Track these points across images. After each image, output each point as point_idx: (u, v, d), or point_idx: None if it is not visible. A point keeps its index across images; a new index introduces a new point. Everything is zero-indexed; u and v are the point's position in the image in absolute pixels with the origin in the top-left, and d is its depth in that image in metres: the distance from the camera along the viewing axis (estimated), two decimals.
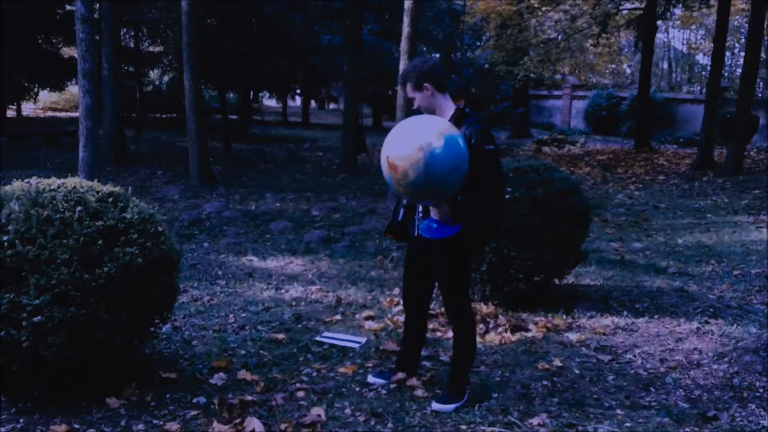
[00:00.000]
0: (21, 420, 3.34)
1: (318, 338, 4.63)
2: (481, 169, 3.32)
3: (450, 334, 4.69)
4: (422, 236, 3.47)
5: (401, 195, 3.39)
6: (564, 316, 5.16)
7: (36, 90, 23.81)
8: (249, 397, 3.59)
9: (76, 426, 3.29)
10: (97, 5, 13.77)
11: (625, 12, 18.91)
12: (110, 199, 3.63)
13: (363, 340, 4.60)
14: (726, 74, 28.45)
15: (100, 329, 3.32)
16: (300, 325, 4.97)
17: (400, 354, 3.97)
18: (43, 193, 3.48)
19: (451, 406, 3.56)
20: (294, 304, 5.59)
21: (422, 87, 3.49)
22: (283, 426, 3.31)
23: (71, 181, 3.68)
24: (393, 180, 3.20)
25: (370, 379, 3.91)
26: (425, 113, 3.52)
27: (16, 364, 3.33)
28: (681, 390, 3.84)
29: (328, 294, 5.89)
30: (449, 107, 3.51)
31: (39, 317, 3.17)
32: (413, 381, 3.84)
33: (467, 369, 3.72)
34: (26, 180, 3.66)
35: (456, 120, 3.42)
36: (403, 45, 9.85)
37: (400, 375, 3.86)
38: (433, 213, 3.40)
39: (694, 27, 30.42)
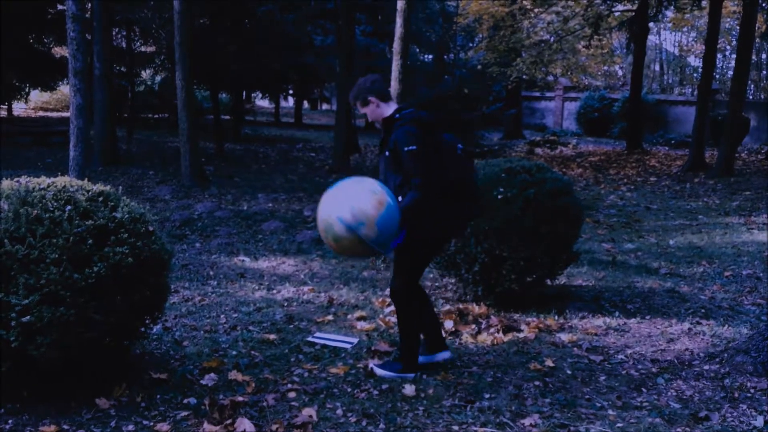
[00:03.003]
0: (10, 420, 3.31)
1: (310, 339, 4.61)
2: (407, 170, 3.66)
3: (442, 334, 4.71)
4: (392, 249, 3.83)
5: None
6: (556, 317, 5.16)
7: (27, 89, 23.69)
8: (240, 398, 3.57)
9: (66, 426, 3.26)
10: (89, 4, 13.72)
11: (617, 14, 19.00)
12: (100, 199, 3.60)
13: (355, 340, 4.59)
14: (717, 76, 28.56)
15: (89, 329, 3.30)
16: (292, 326, 4.95)
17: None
18: (32, 192, 3.45)
19: (385, 372, 3.95)
20: (286, 304, 5.57)
21: (368, 101, 3.92)
22: (274, 427, 3.30)
23: (61, 181, 3.65)
24: (336, 250, 3.66)
25: (411, 375, 3.96)
26: (378, 125, 3.93)
27: (5, 365, 3.30)
28: (672, 390, 3.85)
29: (320, 294, 5.87)
30: (389, 112, 3.90)
31: (28, 317, 3.14)
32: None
33: (407, 346, 3.97)
34: (16, 179, 3.63)
35: (387, 128, 3.84)
36: (396, 46, 9.83)
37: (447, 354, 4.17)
38: None
39: (685, 29, 30.57)
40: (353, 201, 3.50)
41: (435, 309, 5.28)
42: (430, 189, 3.68)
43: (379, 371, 4.00)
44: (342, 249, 3.61)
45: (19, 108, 27.27)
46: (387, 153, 3.77)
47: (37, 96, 28.58)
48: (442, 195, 3.76)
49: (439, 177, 3.73)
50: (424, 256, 3.99)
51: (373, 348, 4.41)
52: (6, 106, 24.06)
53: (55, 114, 26.30)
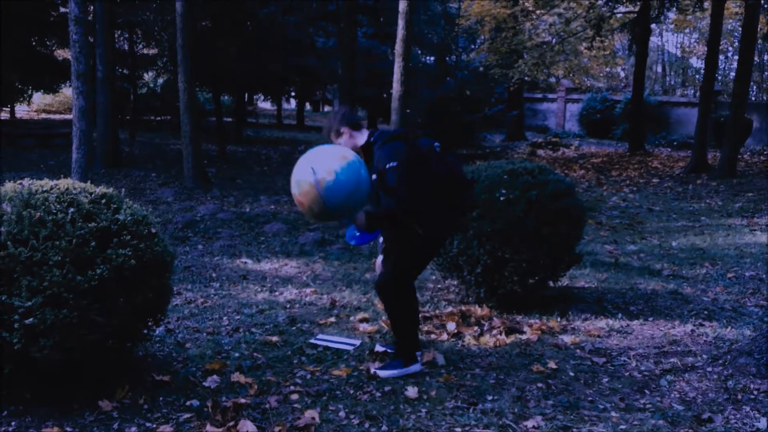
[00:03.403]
0: (13, 423, 3.32)
1: (312, 341, 4.61)
2: (388, 183, 3.77)
3: (444, 336, 4.72)
4: (348, 243, 3.95)
5: (316, 222, 3.76)
6: (558, 319, 5.15)
7: (29, 92, 23.72)
8: (242, 400, 3.57)
9: (68, 429, 3.26)
10: (91, 7, 13.75)
11: (619, 15, 19.00)
12: (103, 201, 3.61)
13: (357, 342, 4.59)
14: (719, 78, 28.55)
15: (92, 331, 3.30)
16: (294, 328, 4.95)
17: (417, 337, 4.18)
18: (35, 195, 3.45)
19: (388, 372, 3.99)
20: (288, 306, 5.57)
21: (341, 132, 4.05)
22: (276, 429, 3.29)
23: (64, 183, 3.65)
24: (303, 212, 3.71)
25: (414, 368, 4.04)
26: (354, 152, 3.92)
27: (8, 367, 3.31)
28: (675, 392, 3.84)
29: (323, 296, 5.87)
30: (363, 140, 4.02)
31: (31, 319, 3.15)
32: None
33: (402, 339, 4.05)
34: (19, 181, 3.64)
35: (366, 154, 3.93)
36: (398, 48, 9.85)
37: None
38: (353, 224, 3.88)
39: (687, 30, 30.56)
40: (324, 154, 3.69)
41: (437, 311, 5.30)
42: (417, 199, 3.83)
43: (382, 373, 4.01)
44: (302, 197, 3.61)
45: (21, 110, 27.32)
46: (374, 176, 3.85)
47: (39, 98, 28.61)
48: (437, 191, 3.90)
49: (429, 176, 3.87)
50: (424, 256, 4.11)
51: (375, 350, 4.40)
52: (8, 109, 24.10)
53: (57, 116, 26.33)
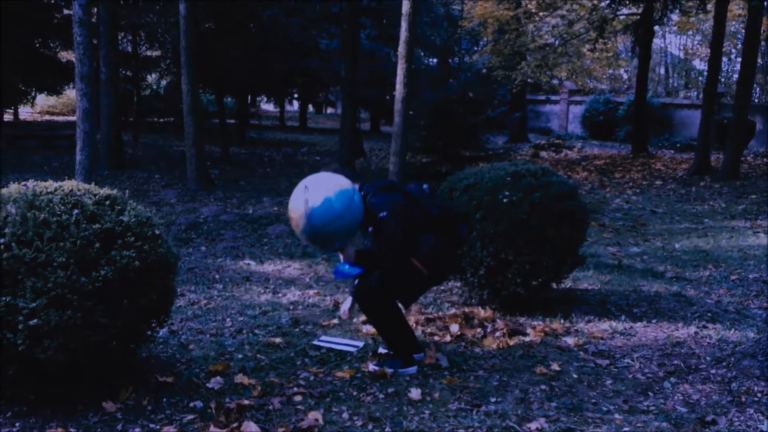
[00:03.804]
0: (17, 424, 3.32)
1: (315, 342, 4.61)
2: (378, 231, 3.95)
3: (447, 338, 4.72)
4: (338, 277, 4.12)
5: (303, 242, 4.01)
6: (562, 321, 5.15)
7: (33, 94, 23.78)
8: (246, 401, 3.58)
9: (72, 430, 3.27)
10: (95, 9, 13.78)
11: (622, 17, 18.98)
12: (107, 202, 3.61)
13: (360, 344, 4.59)
14: (723, 79, 28.52)
15: (96, 333, 3.31)
16: (297, 329, 4.96)
17: (413, 336, 4.28)
18: (39, 196, 3.46)
19: (388, 369, 4.05)
20: (291, 308, 5.58)
21: None
22: (280, 430, 3.30)
23: (68, 184, 3.66)
24: (293, 227, 3.83)
25: (400, 372, 4.08)
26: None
27: (12, 368, 3.31)
28: (679, 394, 3.84)
29: (326, 298, 5.88)
30: None
31: (35, 320, 3.15)
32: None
33: (396, 343, 4.14)
34: (23, 183, 3.65)
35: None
36: (401, 49, 9.85)
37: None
38: (341, 257, 4.02)
39: (691, 32, 30.54)
40: (322, 178, 3.84)
41: (440, 312, 5.30)
42: (422, 234, 4.03)
43: (374, 368, 4.09)
44: (292, 212, 3.74)
45: (25, 112, 27.40)
46: (370, 229, 3.99)
47: (43, 100, 28.70)
48: (436, 230, 4.09)
49: (426, 218, 4.06)
50: (418, 291, 4.27)
51: (378, 351, 4.40)
52: (12, 110, 24.16)
53: (61, 118, 26.41)
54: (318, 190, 3.67)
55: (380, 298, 4.09)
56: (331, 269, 6.98)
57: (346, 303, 4.40)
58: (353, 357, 4.38)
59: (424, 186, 4.24)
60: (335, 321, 5.15)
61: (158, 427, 3.33)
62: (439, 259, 4.09)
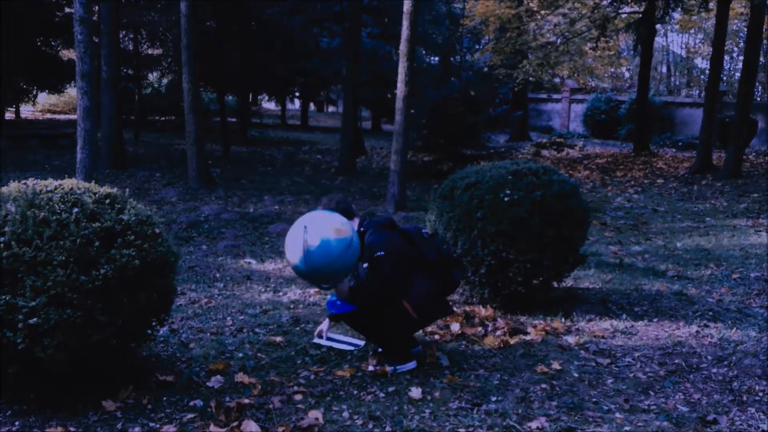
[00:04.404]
0: (17, 423, 3.32)
1: (316, 341, 4.60)
2: (373, 269, 3.96)
3: (448, 337, 4.71)
4: (330, 312, 4.23)
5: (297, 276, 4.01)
6: (563, 320, 5.14)
7: (35, 92, 23.79)
8: (246, 400, 3.57)
9: (72, 429, 3.27)
10: (97, 7, 13.78)
11: (624, 15, 18.94)
12: (107, 201, 3.61)
13: (361, 343, 4.58)
14: (725, 78, 28.48)
15: (96, 331, 3.30)
16: (298, 328, 4.95)
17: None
18: (39, 195, 3.46)
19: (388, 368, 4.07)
20: (292, 306, 5.57)
21: None
22: (280, 429, 3.29)
23: (68, 183, 3.66)
24: (287, 261, 3.86)
25: (399, 368, 4.10)
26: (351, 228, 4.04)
27: (12, 367, 3.31)
28: (680, 393, 3.83)
29: (327, 297, 5.86)
30: (354, 227, 4.10)
31: (35, 319, 3.15)
32: None
33: (391, 342, 4.17)
34: (23, 181, 3.64)
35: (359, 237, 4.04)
36: (402, 48, 9.84)
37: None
38: (335, 293, 4.05)
39: (693, 31, 30.49)
40: (322, 218, 3.85)
41: None
42: (414, 276, 4.05)
43: (372, 366, 4.11)
44: (288, 249, 3.77)
45: (26, 110, 27.41)
46: (365, 265, 3.99)
47: (44, 98, 28.72)
48: (430, 274, 4.10)
49: (421, 260, 4.08)
50: (407, 332, 4.23)
51: (378, 351, 4.39)
52: (13, 109, 24.17)
53: (62, 116, 26.42)
54: (317, 232, 3.68)
55: (365, 318, 4.19)
56: None
57: (324, 324, 4.46)
58: (353, 356, 4.38)
59: (424, 231, 4.28)
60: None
61: (158, 425, 3.32)
62: (430, 303, 4.11)
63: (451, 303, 4.47)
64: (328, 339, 4.59)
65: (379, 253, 3.94)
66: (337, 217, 3.86)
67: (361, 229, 4.10)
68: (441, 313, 4.35)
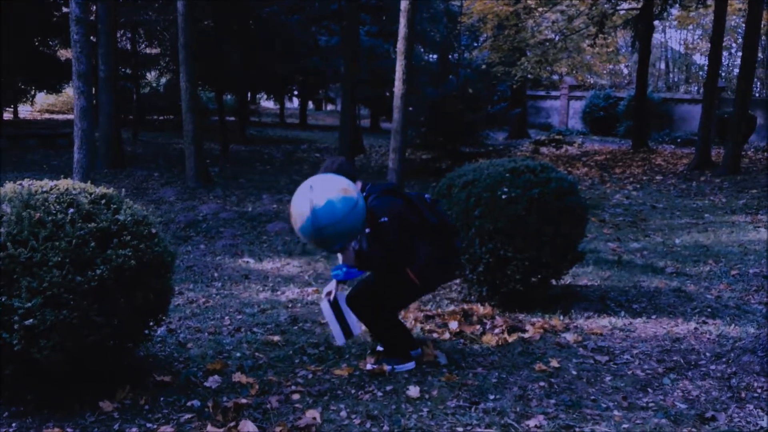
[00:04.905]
0: (14, 424, 3.32)
1: (322, 305, 4.31)
2: (377, 234, 3.93)
3: (446, 335, 4.71)
4: (333, 278, 4.11)
5: (302, 240, 3.94)
6: (561, 317, 5.14)
7: (33, 92, 23.77)
8: (244, 400, 3.56)
9: (69, 430, 3.26)
10: (94, 7, 13.76)
11: (622, 12, 18.94)
12: (103, 201, 3.60)
13: (358, 331, 4.34)
14: (723, 74, 28.47)
15: (92, 332, 3.30)
16: (296, 327, 4.95)
17: (408, 333, 4.28)
18: (35, 195, 3.45)
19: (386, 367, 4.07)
20: (290, 305, 5.57)
21: None
22: (277, 429, 3.29)
23: (64, 183, 3.65)
24: (293, 225, 3.74)
25: (398, 368, 4.09)
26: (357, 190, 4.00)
27: (9, 368, 3.30)
28: (679, 391, 3.82)
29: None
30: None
31: (31, 320, 3.14)
32: None
33: (390, 340, 4.16)
34: (18, 182, 3.63)
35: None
36: (400, 46, 9.83)
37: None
38: (341, 259, 3.96)
39: (691, 27, 30.46)
40: (327, 179, 3.77)
41: (440, 309, 5.28)
42: (417, 242, 4.01)
43: (370, 365, 4.11)
44: (294, 210, 3.67)
45: (24, 110, 27.39)
46: (368, 230, 3.95)
47: (42, 98, 28.70)
48: (432, 240, 4.07)
49: (423, 227, 4.05)
50: (413, 298, 4.29)
51: (377, 349, 4.39)
52: (12, 109, 24.15)
53: (60, 116, 26.40)
54: (323, 192, 3.61)
55: (370, 303, 4.12)
56: (330, 267, 6.97)
57: (332, 284, 4.29)
58: (352, 355, 4.37)
59: (426, 195, 4.24)
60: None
61: (155, 426, 3.32)
62: (432, 269, 4.10)
63: (454, 269, 4.38)
64: (334, 306, 4.29)
65: (383, 219, 3.91)
66: (342, 179, 3.80)
67: (364, 194, 4.04)
68: (443, 279, 4.34)
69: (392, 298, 4.14)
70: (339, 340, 4.30)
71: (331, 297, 4.28)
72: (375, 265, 4.03)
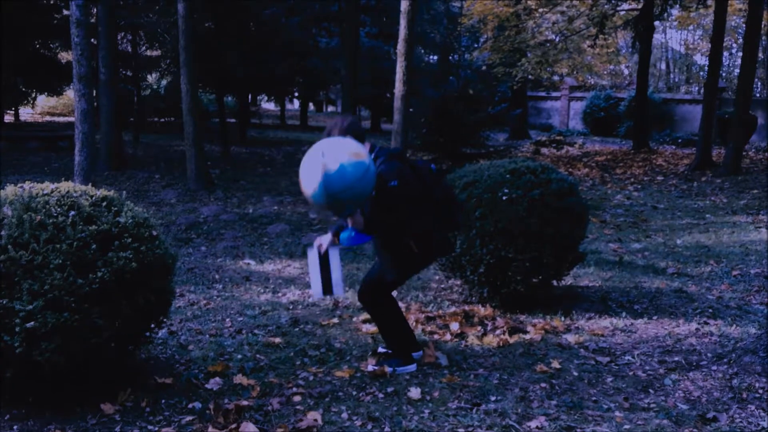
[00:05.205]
0: (15, 426, 3.32)
1: (310, 252, 4.19)
2: (385, 198, 3.84)
3: (447, 336, 4.71)
4: (342, 245, 4.07)
5: (312, 206, 3.71)
6: (562, 318, 5.13)
7: (34, 95, 23.78)
8: (245, 402, 3.56)
9: None
10: (94, 9, 13.77)
11: (622, 13, 18.93)
12: (104, 204, 3.60)
13: (342, 293, 4.30)
14: (724, 74, 28.45)
15: (93, 334, 3.30)
16: (297, 329, 4.95)
17: (411, 334, 4.27)
18: (36, 198, 3.45)
19: (387, 368, 4.06)
20: (291, 307, 5.57)
21: None
22: (279, 431, 3.29)
23: (65, 186, 3.65)
24: (302, 192, 3.68)
25: (399, 370, 4.08)
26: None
27: (10, 371, 3.30)
28: (680, 391, 3.82)
29: (325, 297, 5.85)
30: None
31: (32, 323, 3.14)
32: None
33: (395, 341, 4.16)
34: (19, 185, 3.63)
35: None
36: (400, 47, 9.83)
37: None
38: (350, 224, 3.89)
39: (691, 27, 30.45)
40: (338, 143, 3.68)
41: (441, 311, 5.28)
42: (410, 219, 3.96)
43: (371, 367, 4.10)
44: (304, 175, 3.59)
45: (25, 113, 27.39)
46: (373, 192, 3.85)
47: (43, 101, 28.70)
48: (436, 212, 4.04)
49: (428, 197, 4.00)
50: (410, 272, 4.23)
51: (378, 351, 4.39)
52: (13, 111, 24.17)
53: (62, 119, 26.40)
54: (334, 157, 3.52)
55: (381, 292, 4.10)
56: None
57: (326, 237, 4.18)
58: (352, 356, 4.37)
59: (432, 166, 4.17)
60: (335, 320, 5.15)
61: (157, 428, 3.32)
62: (430, 241, 4.06)
63: (453, 243, 4.35)
64: (322, 259, 4.17)
65: (392, 183, 3.83)
66: (352, 142, 3.72)
67: (372, 155, 3.97)
68: (441, 252, 4.30)
69: (391, 273, 4.09)
70: (316, 292, 4.18)
71: (322, 249, 4.17)
72: (380, 230, 3.98)
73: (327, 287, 4.14)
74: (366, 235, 3.95)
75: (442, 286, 6.14)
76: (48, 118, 27.19)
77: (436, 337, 4.71)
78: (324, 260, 4.15)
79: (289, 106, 36.16)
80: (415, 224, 3.98)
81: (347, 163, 3.51)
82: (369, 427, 3.38)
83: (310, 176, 3.55)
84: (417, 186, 3.97)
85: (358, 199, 3.62)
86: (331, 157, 3.52)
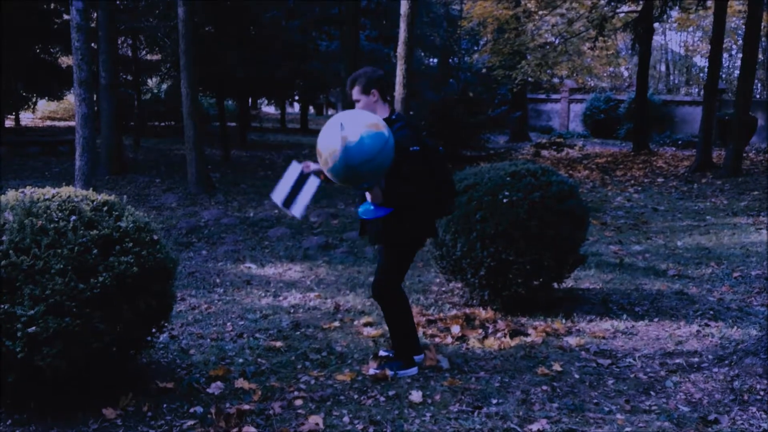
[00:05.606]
0: (17, 431, 3.32)
1: (291, 168, 4.25)
2: (404, 165, 3.77)
3: (448, 339, 4.71)
4: (361, 218, 3.96)
5: (332, 179, 3.74)
6: (563, 321, 5.14)
7: (34, 99, 23.80)
8: (246, 406, 3.57)
9: None
10: (95, 14, 13.80)
11: (621, 15, 18.95)
12: (105, 208, 3.61)
13: (302, 210, 4.26)
14: (723, 76, 28.45)
15: (95, 339, 3.30)
16: (298, 333, 4.95)
17: (416, 337, 4.25)
18: (37, 203, 3.46)
19: (389, 372, 4.03)
20: (292, 311, 5.57)
21: (370, 92, 4.02)
22: None
23: (66, 191, 3.66)
24: (320, 165, 3.65)
25: (400, 374, 4.07)
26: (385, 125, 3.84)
27: (12, 376, 3.30)
28: (681, 393, 3.82)
29: (327, 300, 5.86)
30: (385, 114, 3.98)
31: (33, 328, 3.15)
32: None
33: (401, 342, 4.13)
34: (20, 190, 3.64)
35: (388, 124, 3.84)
36: (400, 50, 9.85)
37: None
38: (368, 197, 3.82)
39: (691, 29, 30.47)
40: (357, 115, 3.65)
41: (442, 314, 5.28)
42: (422, 191, 3.91)
43: (376, 371, 4.07)
44: (323, 147, 3.55)
45: (26, 118, 27.42)
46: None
47: (44, 105, 28.72)
48: (433, 195, 3.99)
49: (430, 179, 3.96)
50: (410, 255, 4.14)
51: (379, 354, 4.39)
52: (14, 116, 24.19)
53: (62, 123, 26.42)
54: (354, 129, 3.47)
55: (392, 291, 4.08)
56: (331, 270, 6.98)
57: (315, 165, 4.13)
58: (354, 360, 4.37)
59: (440, 148, 4.14)
60: (336, 324, 5.15)
61: None
62: (423, 223, 4.04)
63: (435, 229, 4.28)
64: (300, 177, 4.24)
65: (414, 148, 3.80)
66: (370, 114, 3.68)
67: (393, 116, 3.95)
68: (430, 233, 4.22)
69: (391, 261, 4.06)
70: (276, 198, 4.21)
71: (309, 168, 4.17)
72: (399, 201, 3.87)
73: (289, 201, 4.18)
74: (385, 207, 3.86)
75: (443, 289, 6.14)
76: (48, 122, 27.21)
77: (437, 340, 4.72)
78: (301, 179, 4.17)
79: (289, 109, 36.17)
80: (424, 193, 3.92)
81: (366, 134, 3.47)
82: (370, 430, 3.38)
83: (329, 149, 3.49)
84: (424, 163, 3.92)
85: (377, 171, 3.57)
86: (350, 129, 3.47)
